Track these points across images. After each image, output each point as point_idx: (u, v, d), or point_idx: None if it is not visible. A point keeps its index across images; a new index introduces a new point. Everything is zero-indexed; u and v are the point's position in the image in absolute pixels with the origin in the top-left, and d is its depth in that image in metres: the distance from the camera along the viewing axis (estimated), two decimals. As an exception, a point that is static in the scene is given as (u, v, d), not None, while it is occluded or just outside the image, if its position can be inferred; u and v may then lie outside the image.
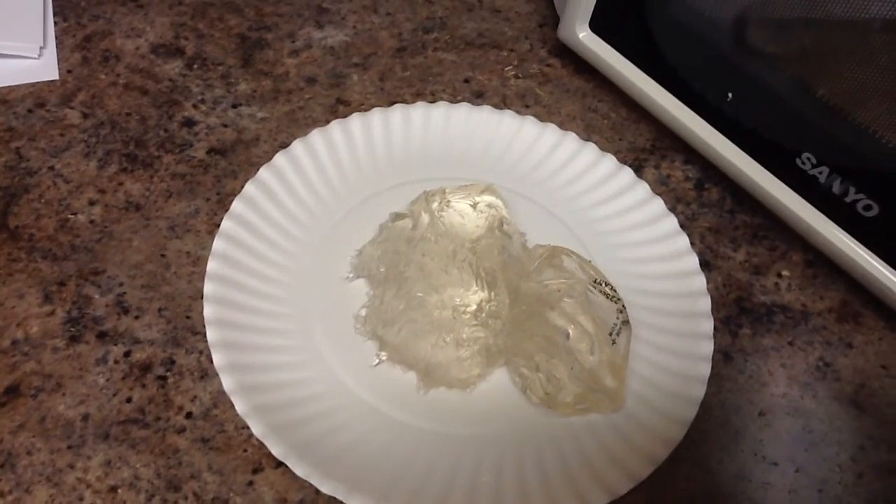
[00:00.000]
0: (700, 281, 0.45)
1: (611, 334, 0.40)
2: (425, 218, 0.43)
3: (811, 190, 0.46)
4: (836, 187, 0.44)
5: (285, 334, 0.41)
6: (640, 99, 0.51)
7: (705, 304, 0.44)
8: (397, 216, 0.44)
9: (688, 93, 0.49)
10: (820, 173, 0.45)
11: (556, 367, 0.39)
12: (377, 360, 0.41)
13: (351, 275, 0.43)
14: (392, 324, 0.41)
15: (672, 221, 0.47)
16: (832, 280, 0.47)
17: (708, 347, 0.42)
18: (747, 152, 0.48)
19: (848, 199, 0.44)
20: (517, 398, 0.41)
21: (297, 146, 0.46)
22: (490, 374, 0.41)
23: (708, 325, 0.43)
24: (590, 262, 0.42)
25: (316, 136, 0.47)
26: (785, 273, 0.48)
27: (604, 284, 0.41)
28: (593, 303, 0.41)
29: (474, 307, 0.40)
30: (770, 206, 0.48)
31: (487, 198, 0.44)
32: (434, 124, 0.49)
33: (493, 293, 0.40)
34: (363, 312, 0.42)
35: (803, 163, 0.45)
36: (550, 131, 0.49)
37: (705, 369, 0.42)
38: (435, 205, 0.43)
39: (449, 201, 0.43)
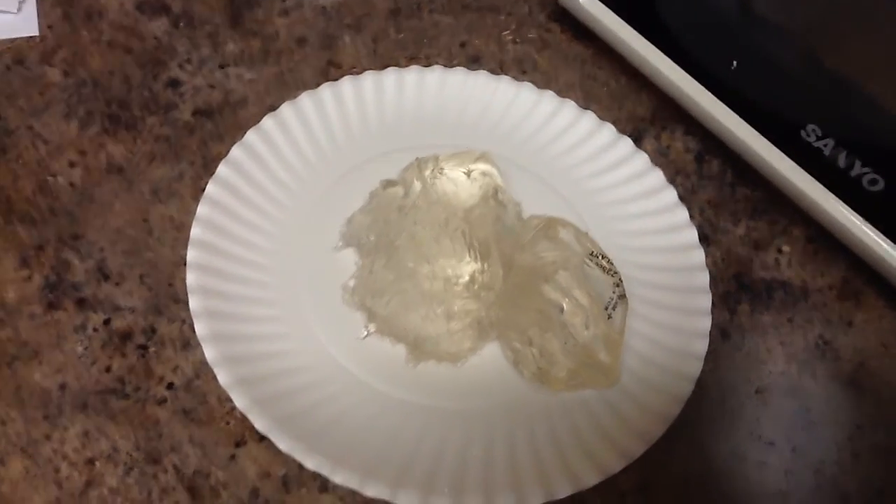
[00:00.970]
0: (699, 255, 0.43)
1: (606, 308, 0.39)
2: (417, 185, 0.41)
3: (815, 163, 0.44)
4: (842, 160, 0.43)
5: (271, 304, 0.40)
6: (641, 66, 0.50)
7: (703, 278, 0.43)
8: (388, 183, 0.42)
9: (691, 61, 0.48)
10: (825, 146, 0.44)
11: (549, 341, 0.38)
12: (366, 332, 0.40)
13: (340, 244, 0.42)
14: (381, 295, 0.39)
15: (671, 193, 0.45)
16: (834, 256, 0.46)
17: (705, 323, 0.41)
18: (750, 123, 0.46)
19: (853, 173, 0.43)
20: (509, 373, 0.40)
21: (285, 109, 0.45)
22: (482, 347, 0.40)
23: (706, 300, 0.42)
24: (586, 233, 0.41)
25: (305, 99, 0.45)
26: (785, 248, 0.47)
27: (600, 257, 0.40)
28: (589, 276, 0.40)
29: (466, 278, 0.39)
30: (772, 179, 0.46)
31: (482, 166, 0.42)
32: (428, 89, 0.48)
33: (485, 264, 0.39)
34: (352, 283, 0.41)
35: (808, 135, 0.44)
36: (548, 98, 0.48)
37: (702, 346, 0.40)
38: (427, 172, 0.41)
39: (442, 169, 0.42)
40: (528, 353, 0.39)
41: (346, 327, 0.40)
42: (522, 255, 0.39)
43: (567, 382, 0.39)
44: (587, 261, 0.39)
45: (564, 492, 0.36)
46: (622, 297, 0.39)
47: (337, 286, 0.41)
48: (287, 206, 0.43)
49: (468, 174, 0.42)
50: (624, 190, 0.46)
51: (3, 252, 0.40)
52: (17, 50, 0.47)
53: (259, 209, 0.42)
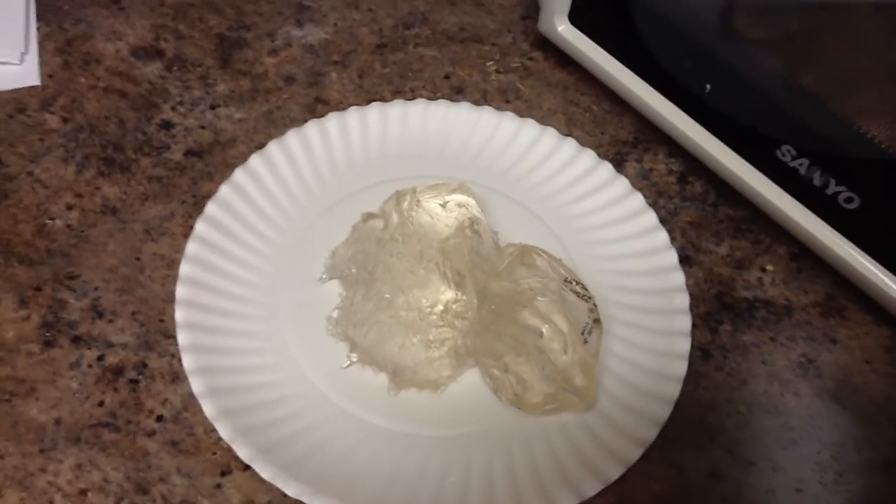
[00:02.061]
0: (678, 277, 0.44)
1: (582, 333, 0.40)
2: (395, 218, 0.42)
3: (792, 182, 0.45)
4: (817, 179, 0.43)
5: (256, 336, 0.41)
6: (622, 92, 0.51)
7: (683, 300, 0.43)
8: (369, 216, 0.43)
9: (668, 85, 0.49)
10: (800, 165, 0.44)
11: (523, 367, 0.39)
12: (348, 362, 0.41)
13: (324, 276, 0.43)
14: (361, 325, 0.40)
15: (651, 216, 0.46)
16: (817, 274, 0.47)
17: (684, 345, 0.42)
18: (728, 145, 0.47)
19: (829, 192, 0.43)
20: (489, 399, 0.41)
21: (272, 147, 0.46)
22: (461, 374, 0.41)
23: (685, 322, 0.42)
24: (560, 260, 0.41)
25: (291, 136, 0.47)
26: (769, 267, 0.47)
27: (574, 283, 0.41)
28: (566, 301, 0.40)
29: (441, 307, 0.40)
30: (753, 199, 0.47)
31: (458, 196, 0.43)
32: (411, 122, 0.49)
33: (459, 293, 0.40)
34: (335, 314, 0.42)
35: (783, 155, 0.44)
36: (529, 127, 0.49)
37: (681, 368, 0.41)
38: (405, 204, 0.42)
39: (419, 201, 0.43)
40: (504, 379, 0.40)
41: (329, 357, 0.41)
42: (498, 282, 0.40)
43: (542, 407, 0.39)
44: (562, 286, 0.40)
45: None
46: (597, 321, 0.40)
47: (321, 317, 0.42)
48: (273, 241, 0.44)
49: (444, 205, 0.43)
50: (604, 215, 0.47)
51: (3, 293, 0.42)
52: (18, 99, 0.49)
53: (246, 244, 0.44)
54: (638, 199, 0.46)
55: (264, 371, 0.40)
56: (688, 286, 0.44)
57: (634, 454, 0.38)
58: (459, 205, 0.43)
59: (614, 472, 0.38)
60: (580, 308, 0.40)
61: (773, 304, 0.46)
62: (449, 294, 0.40)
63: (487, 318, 0.40)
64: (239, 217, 0.44)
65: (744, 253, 0.47)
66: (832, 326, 0.45)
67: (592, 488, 0.37)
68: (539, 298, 0.40)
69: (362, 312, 0.41)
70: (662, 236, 0.45)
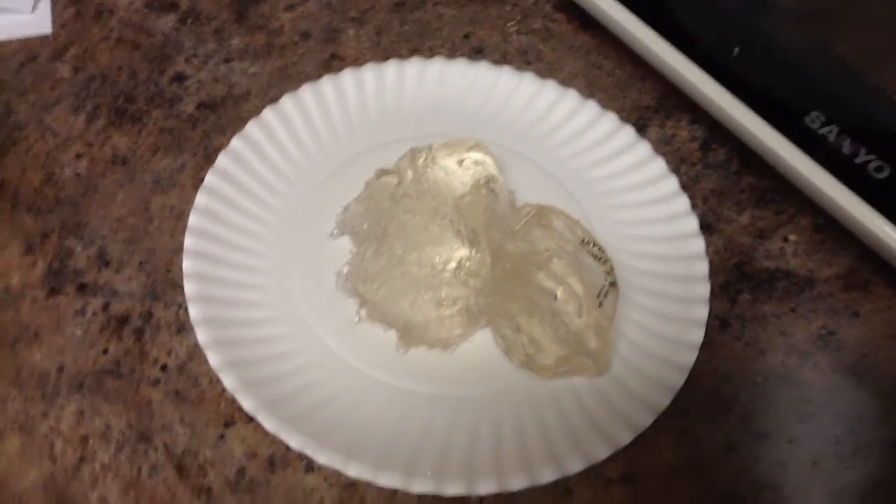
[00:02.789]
0: (698, 244, 0.43)
1: (598, 296, 0.39)
2: (409, 174, 0.41)
3: (820, 150, 0.43)
4: (846, 147, 0.42)
5: (264, 290, 0.40)
6: (646, 55, 0.49)
7: (702, 267, 0.42)
8: (382, 172, 0.43)
9: (695, 48, 0.47)
10: (829, 132, 0.43)
11: (536, 328, 0.38)
12: (357, 318, 0.40)
13: (335, 232, 0.43)
14: (372, 281, 0.40)
15: (672, 182, 0.45)
16: (841, 246, 0.45)
17: (702, 312, 0.41)
18: (755, 111, 0.45)
19: (858, 160, 0.42)
20: (499, 360, 0.40)
21: (286, 101, 0.45)
22: (472, 334, 0.40)
23: (704, 289, 0.41)
24: (578, 221, 0.40)
25: (306, 90, 0.46)
26: (791, 237, 0.46)
27: (592, 244, 0.40)
28: (582, 264, 0.39)
29: (454, 265, 0.39)
30: (778, 167, 0.45)
31: (475, 155, 0.42)
32: (429, 80, 0.48)
33: (473, 251, 0.39)
34: (345, 269, 0.41)
35: (812, 121, 0.43)
36: (550, 88, 0.48)
37: (698, 335, 0.40)
38: (421, 161, 0.41)
39: (435, 157, 0.42)
40: (516, 339, 0.39)
41: (338, 313, 0.40)
42: (514, 242, 0.39)
43: (555, 370, 0.38)
44: (580, 248, 0.39)
45: (548, 477, 0.35)
46: (613, 284, 0.39)
47: (331, 273, 0.41)
48: (285, 195, 0.44)
49: (460, 163, 0.42)
50: (625, 179, 0.45)
51: (10, 239, 0.41)
52: (30, 47, 0.48)
53: (257, 198, 0.43)
54: (659, 164, 0.45)
55: (271, 324, 0.40)
56: (708, 254, 0.43)
57: (646, 420, 0.37)
58: (476, 163, 0.42)
59: (625, 438, 0.37)
60: (596, 271, 0.39)
61: (794, 275, 0.44)
62: (462, 252, 0.39)
63: (501, 278, 0.39)
64: (250, 170, 0.43)
65: (766, 223, 0.46)
66: (855, 299, 0.44)
67: (602, 452, 0.36)
68: (555, 260, 0.39)
69: (373, 268, 0.40)
70: (683, 202, 0.44)
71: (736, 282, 0.44)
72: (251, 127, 0.44)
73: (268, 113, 0.45)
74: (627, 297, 0.41)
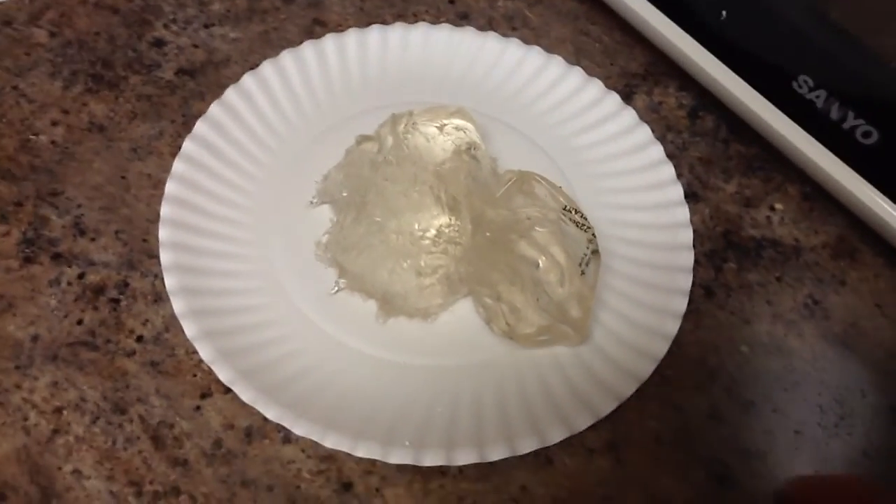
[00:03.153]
0: (683, 212, 0.42)
1: (580, 264, 0.38)
2: (390, 140, 0.41)
3: (808, 115, 0.43)
4: (835, 112, 0.41)
5: (243, 259, 0.40)
6: (634, 21, 0.48)
7: (686, 236, 0.41)
8: (363, 139, 0.42)
9: (682, 13, 0.46)
10: (817, 97, 0.42)
11: (517, 296, 0.37)
12: (336, 288, 0.40)
13: (315, 200, 0.42)
14: (351, 250, 0.39)
15: (658, 150, 0.44)
16: (830, 214, 0.45)
17: (686, 281, 0.40)
18: (742, 77, 0.44)
19: (846, 126, 0.41)
20: (481, 330, 0.39)
21: (266, 67, 0.45)
22: (453, 303, 0.39)
23: (688, 257, 0.41)
24: (560, 188, 0.40)
25: (287, 56, 0.45)
26: (778, 206, 0.45)
27: (573, 212, 0.39)
28: (565, 232, 0.39)
29: (433, 232, 0.39)
30: (766, 134, 0.45)
31: (457, 121, 0.41)
32: (412, 46, 0.47)
33: (453, 218, 0.39)
34: (325, 239, 0.40)
35: (800, 86, 0.42)
36: (535, 54, 0.47)
37: (681, 304, 0.39)
38: (401, 127, 0.41)
39: (416, 123, 0.41)
40: (497, 308, 0.38)
41: (317, 283, 0.40)
42: (495, 209, 0.39)
43: (535, 338, 0.38)
44: (562, 216, 0.38)
45: (528, 447, 0.35)
46: (595, 252, 0.39)
47: (311, 242, 0.40)
48: (264, 163, 0.43)
49: (441, 129, 0.41)
50: (609, 146, 0.45)
51: (-16, 208, 0.41)
52: (5, 11, 0.47)
53: (236, 166, 0.42)
54: (645, 132, 0.44)
55: (249, 294, 0.39)
56: (693, 223, 0.42)
57: (629, 389, 0.37)
58: (457, 128, 0.41)
59: (607, 407, 0.36)
60: (579, 239, 0.39)
61: (781, 244, 0.44)
62: (442, 219, 0.39)
63: (482, 246, 0.38)
64: (229, 137, 0.43)
65: (753, 191, 0.45)
66: (842, 268, 0.43)
67: (583, 421, 0.36)
68: (537, 229, 0.38)
69: (352, 237, 0.39)
70: (668, 170, 0.43)
71: (722, 250, 0.43)
72: (230, 93, 0.43)
73: (247, 79, 0.44)
74: (610, 265, 0.40)
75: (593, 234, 0.39)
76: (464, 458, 0.35)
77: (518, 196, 0.40)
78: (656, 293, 0.40)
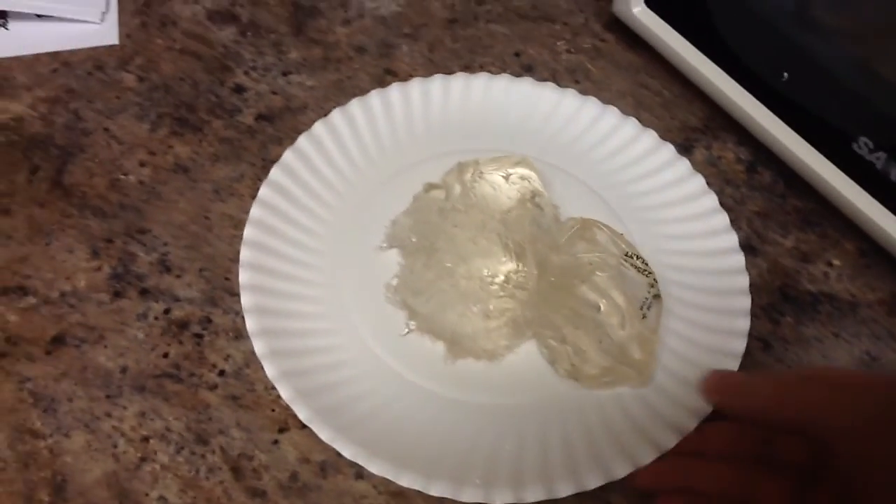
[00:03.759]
0: (738, 259, 0.43)
1: (641, 308, 0.40)
2: (457, 188, 0.43)
3: (867, 176, 0.44)
4: (894, 174, 0.42)
5: (317, 301, 0.42)
6: (694, 77, 0.50)
7: (743, 281, 0.43)
8: (430, 186, 0.44)
9: (742, 71, 0.48)
10: (878, 159, 0.43)
11: (582, 339, 0.39)
12: (406, 330, 0.41)
13: (384, 244, 0.44)
14: (421, 293, 0.41)
15: (712, 199, 0.45)
16: (886, 271, 0.46)
17: (744, 324, 0.41)
18: (801, 135, 0.46)
19: (905, 187, 0.42)
20: (545, 370, 0.41)
21: (335, 115, 0.47)
22: (518, 345, 0.41)
23: (745, 302, 0.42)
24: (621, 234, 0.41)
25: (355, 105, 0.47)
26: (835, 262, 0.46)
27: (635, 258, 0.41)
28: (625, 276, 0.40)
29: (502, 278, 0.40)
30: (823, 191, 0.46)
31: (521, 170, 0.44)
32: (473, 95, 0.49)
33: (520, 264, 0.40)
34: (395, 282, 0.42)
35: (860, 147, 0.43)
36: (591, 104, 0.49)
37: (740, 345, 0.41)
38: (468, 176, 0.43)
39: (482, 172, 0.43)
40: (562, 350, 0.40)
41: (388, 324, 0.41)
42: (559, 255, 0.40)
43: (600, 379, 0.39)
44: (623, 261, 0.40)
45: (595, 482, 0.36)
46: (657, 296, 0.40)
47: (381, 285, 0.42)
48: (335, 208, 0.45)
49: (507, 178, 0.43)
50: (664, 195, 0.46)
51: (77, 243, 0.43)
52: (97, 57, 0.50)
53: (309, 210, 0.44)
54: (699, 182, 0.46)
55: (324, 335, 0.41)
56: (751, 276, 0.43)
57: (690, 424, 0.38)
58: (522, 178, 0.43)
59: (670, 441, 0.37)
60: (639, 283, 0.40)
61: (837, 299, 0.45)
62: (510, 265, 0.41)
63: (546, 290, 0.40)
64: (302, 183, 0.45)
65: (810, 246, 0.47)
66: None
67: (648, 456, 0.37)
68: (598, 273, 0.40)
69: (422, 281, 0.41)
70: (723, 219, 0.45)
71: (779, 304, 0.44)
72: (302, 140, 0.46)
73: (318, 126, 0.46)
74: (670, 308, 0.42)
75: (654, 280, 0.40)
76: (532, 495, 0.36)
77: (580, 242, 0.41)
78: (715, 335, 0.41)
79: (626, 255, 0.41)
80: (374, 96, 0.48)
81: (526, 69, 0.52)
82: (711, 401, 0.37)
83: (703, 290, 0.43)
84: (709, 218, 0.45)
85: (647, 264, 0.41)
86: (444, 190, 0.43)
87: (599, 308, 0.40)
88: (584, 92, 0.49)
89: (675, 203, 0.46)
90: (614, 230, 0.42)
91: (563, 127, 0.49)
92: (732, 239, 0.44)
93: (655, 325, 0.40)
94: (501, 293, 0.40)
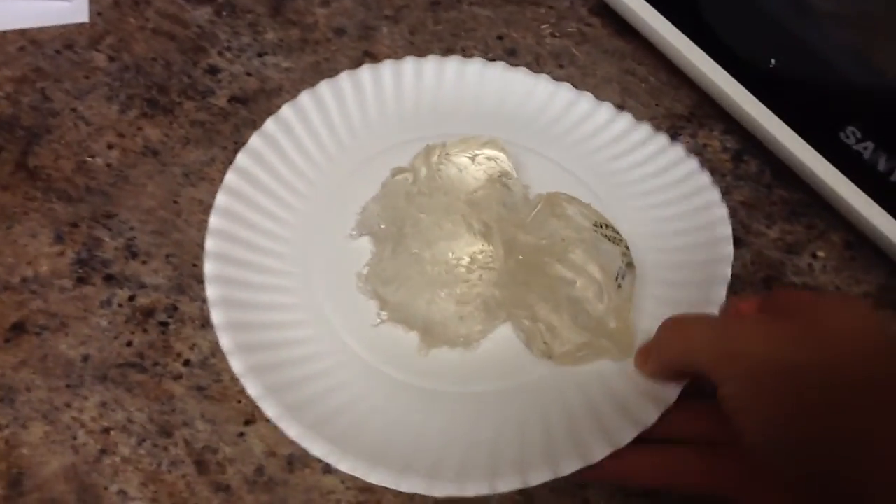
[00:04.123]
0: (721, 212, 0.41)
1: (616, 279, 0.38)
2: (423, 171, 0.41)
3: (854, 166, 0.43)
4: (882, 164, 0.41)
5: (287, 291, 0.40)
6: (680, 62, 0.49)
7: (724, 230, 0.41)
8: (398, 171, 0.42)
9: (730, 58, 0.46)
10: (865, 149, 0.42)
11: (553, 316, 0.38)
12: (378, 320, 0.40)
13: (355, 232, 0.42)
14: (390, 282, 0.40)
15: (692, 163, 0.43)
16: (872, 264, 0.44)
17: (725, 270, 0.39)
18: (788, 124, 0.45)
19: (894, 178, 0.41)
20: (522, 354, 0.39)
21: (304, 97, 0.44)
22: (493, 329, 0.39)
23: (726, 248, 0.40)
24: (588, 204, 0.40)
25: (324, 87, 0.45)
26: (821, 254, 0.45)
27: (605, 227, 0.39)
28: (599, 249, 0.39)
29: (467, 260, 0.39)
30: (810, 181, 0.45)
31: (489, 151, 0.42)
32: (447, 78, 0.47)
33: (485, 244, 0.39)
34: (365, 270, 0.41)
35: (847, 136, 0.42)
36: (565, 90, 0.46)
37: (721, 294, 0.38)
38: (434, 158, 0.41)
39: (448, 154, 0.42)
40: (535, 329, 0.38)
41: (360, 315, 0.40)
42: (526, 233, 0.39)
43: (574, 355, 0.38)
44: (594, 231, 0.39)
45: (571, 468, 0.35)
46: (630, 265, 0.39)
47: (352, 274, 0.41)
48: (305, 195, 0.43)
49: (473, 159, 0.41)
50: (646, 168, 0.44)
51: (40, 227, 0.42)
52: (67, 35, 0.49)
53: (277, 198, 0.42)
54: (678, 152, 0.43)
55: (294, 327, 0.39)
56: (735, 268, 0.42)
57: (672, 395, 0.36)
58: (489, 158, 0.42)
59: (650, 417, 0.36)
60: (612, 253, 0.39)
61: (823, 292, 0.44)
62: (475, 246, 0.39)
63: (515, 269, 0.39)
64: (270, 169, 0.42)
65: (796, 237, 0.45)
66: (885, 319, 0.43)
67: (627, 435, 0.35)
68: (573, 250, 0.38)
69: (391, 269, 0.40)
70: (703, 178, 0.42)
71: (763, 297, 0.43)
72: (270, 124, 0.43)
73: (286, 110, 0.44)
74: (645, 275, 0.40)
75: (626, 247, 0.39)
76: (505, 485, 0.35)
77: (551, 219, 0.40)
78: (696, 290, 0.39)
79: (595, 225, 0.39)
80: (345, 78, 0.46)
81: (509, 53, 0.51)
82: (643, 373, 0.36)
83: (681, 248, 0.41)
84: (690, 181, 0.43)
85: (617, 232, 0.39)
86: (410, 173, 0.42)
87: (575, 284, 0.38)
88: (568, 77, 0.48)
89: (655, 174, 0.44)
90: (580, 200, 0.40)
91: (539, 111, 0.47)
92: (714, 193, 0.42)
93: (629, 293, 0.38)
94: (468, 276, 0.39)
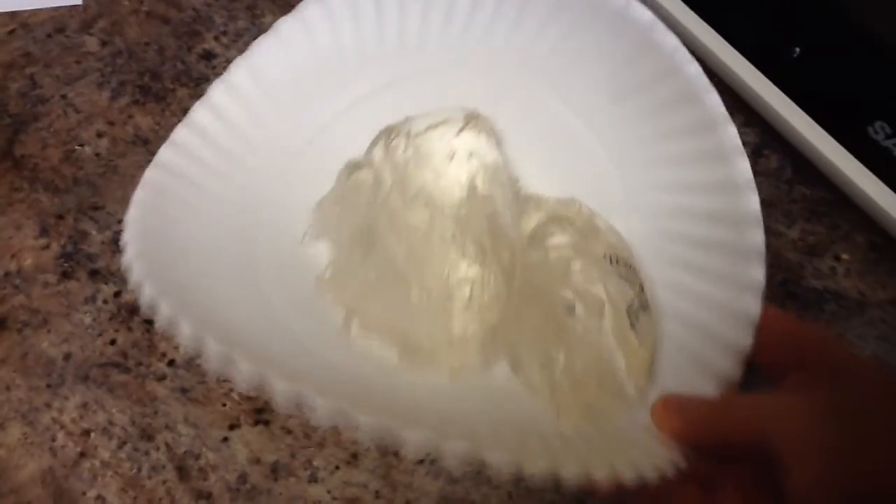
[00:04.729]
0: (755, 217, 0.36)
1: (628, 313, 0.35)
2: (388, 176, 0.35)
3: (883, 163, 0.40)
4: (912, 162, 0.39)
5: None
6: (700, 52, 0.46)
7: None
8: (355, 167, 0.36)
9: (752, 48, 0.44)
10: (895, 145, 0.39)
11: (559, 357, 0.34)
12: (347, 330, 0.33)
13: (309, 236, 0.36)
14: (364, 295, 0.34)
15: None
16: (898, 267, 0.42)
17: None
18: (812, 117, 0.42)
19: (924, 177, 0.39)
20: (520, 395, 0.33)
21: (233, 69, 0.37)
22: (487, 365, 0.34)
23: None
24: (598, 230, 0.36)
25: (261, 44, 0.37)
26: (844, 256, 0.42)
27: (616, 261, 0.35)
28: (606, 272, 0.35)
29: (467, 291, 0.34)
30: (834, 178, 0.42)
31: (468, 141, 0.35)
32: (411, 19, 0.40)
33: (482, 269, 0.34)
34: (328, 274, 0.35)
35: (876, 132, 0.40)
36: None
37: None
38: (399, 152, 0.35)
39: (418, 146, 0.35)
40: (536, 372, 0.34)
41: (324, 323, 0.33)
42: (524, 255, 0.35)
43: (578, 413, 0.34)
44: (602, 262, 0.35)
45: None
46: (645, 307, 0.35)
47: (309, 281, 0.34)
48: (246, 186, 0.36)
49: (451, 157, 0.35)
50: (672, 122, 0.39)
51: (25, 219, 0.41)
52: (59, 18, 0.47)
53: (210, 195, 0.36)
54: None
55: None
56: (751, 270, 0.40)
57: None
58: (471, 154, 0.35)
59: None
60: (624, 290, 0.35)
61: (844, 297, 0.41)
62: (471, 271, 0.34)
63: (515, 299, 0.35)
64: (197, 160, 0.37)
65: (817, 238, 0.43)
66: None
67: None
68: (574, 270, 0.35)
69: (364, 279, 0.34)
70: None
71: (780, 301, 0.41)
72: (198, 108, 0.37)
73: (214, 90, 0.37)
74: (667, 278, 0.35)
75: (641, 287, 0.35)
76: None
77: (551, 236, 0.36)
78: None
79: (605, 257, 0.35)
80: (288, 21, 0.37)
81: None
82: (660, 426, 0.29)
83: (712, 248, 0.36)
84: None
85: (631, 268, 0.34)
86: (369, 170, 0.35)
87: (574, 309, 0.33)
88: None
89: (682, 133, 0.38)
90: (587, 221, 0.35)
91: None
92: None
93: (646, 337, 0.33)
94: (462, 306, 0.34)
